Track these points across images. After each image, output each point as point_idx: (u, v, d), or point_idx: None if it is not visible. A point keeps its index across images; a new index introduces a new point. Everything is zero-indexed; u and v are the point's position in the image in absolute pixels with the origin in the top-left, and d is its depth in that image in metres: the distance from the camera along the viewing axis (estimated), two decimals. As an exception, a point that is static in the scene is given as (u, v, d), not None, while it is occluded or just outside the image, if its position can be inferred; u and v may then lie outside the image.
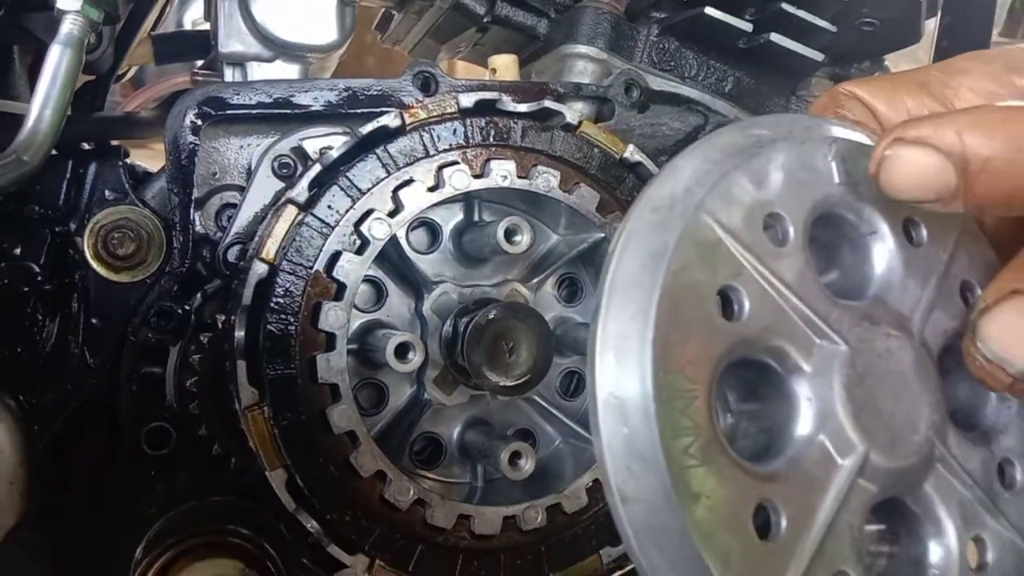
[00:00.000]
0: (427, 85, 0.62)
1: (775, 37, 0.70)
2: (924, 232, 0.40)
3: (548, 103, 0.55)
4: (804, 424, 0.34)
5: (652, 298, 0.33)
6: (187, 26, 1.12)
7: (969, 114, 0.35)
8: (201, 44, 0.85)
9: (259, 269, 0.50)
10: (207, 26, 0.92)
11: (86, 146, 0.65)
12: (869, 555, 0.36)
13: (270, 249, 0.50)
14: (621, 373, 0.32)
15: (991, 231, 0.48)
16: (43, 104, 0.47)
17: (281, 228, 0.50)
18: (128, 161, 0.65)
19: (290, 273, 0.50)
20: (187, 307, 0.60)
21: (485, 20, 0.76)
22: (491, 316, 0.53)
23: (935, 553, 0.36)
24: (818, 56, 0.73)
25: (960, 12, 0.93)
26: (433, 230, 0.60)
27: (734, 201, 0.36)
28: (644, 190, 0.36)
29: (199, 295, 0.61)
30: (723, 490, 0.31)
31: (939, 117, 0.35)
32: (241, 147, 0.62)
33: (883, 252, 0.40)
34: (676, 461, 0.31)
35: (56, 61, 0.46)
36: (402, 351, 0.52)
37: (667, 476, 0.30)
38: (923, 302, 0.38)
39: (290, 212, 0.50)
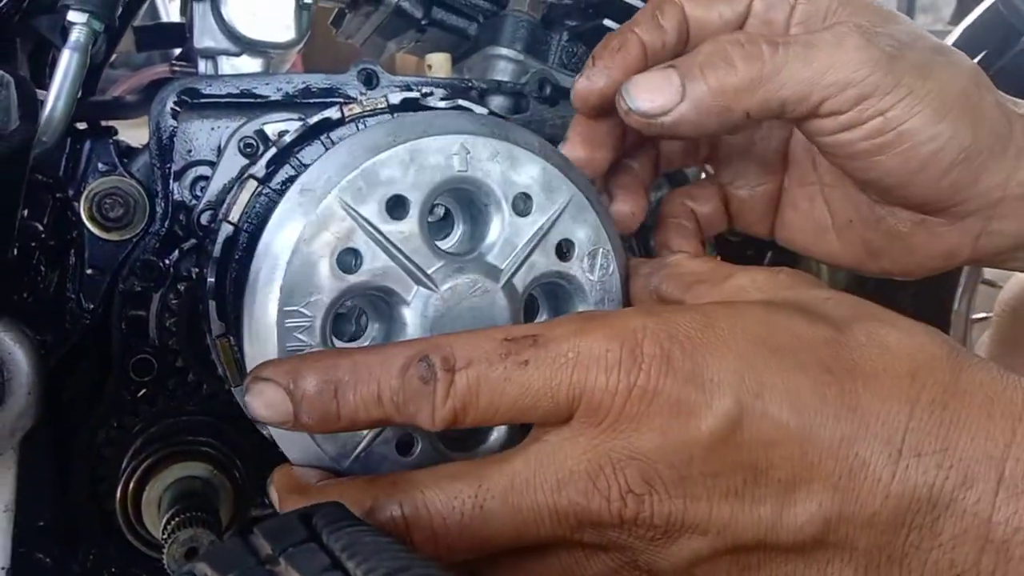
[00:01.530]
0: (369, 80, 0.74)
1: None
2: (533, 204, 0.55)
3: (462, 103, 0.68)
4: (404, 339, 0.52)
5: (285, 256, 0.50)
6: (176, 15, 1.23)
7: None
8: (177, 35, 0.97)
9: (227, 229, 0.63)
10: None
11: (78, 127, 0.77)
12: None
13: (235, 214, 0.63)
14: (262, 306, 0.51)
15: None
16: (56, 97, 0.59)
17: (244, 197, 0.63)
18: (116, 138, 0.78)
19: (249, 233, 0.64)
20: (167, 261, 0.73)
21: (423, 23, 0.89)
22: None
23: None
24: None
25: None
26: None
27: (363, 186, 0.51)
28: (300, 175, 0.53)
29: (177, 252, 0.72)
30: None
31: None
32: (212, 129, 0.74)
33: (496, 218, 0.55)
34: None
35: (67, 63, 0.58)
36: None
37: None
38: (517, 255, 0.55)
39: (251, 185, 0.63)
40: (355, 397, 0.46)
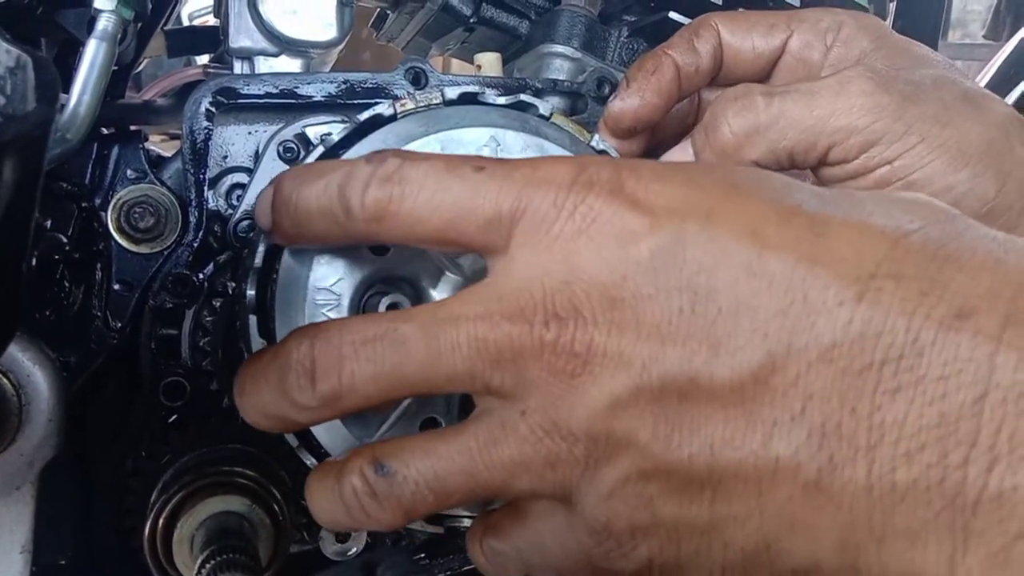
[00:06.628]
0: (417, 79, 0.69)
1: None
2: None
3: (524, 96, 0.62)
4: None
5: None
6: (184, 19, 1.19)
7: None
8: (210, 39, 0.92)
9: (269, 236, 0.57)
10: (204, 21, 0.99)
11: (105, 131, 0.72)
12: None
13: (278, 219, 0.57)
14: (292, 284, 0.51)
15: None
16: (82, 90, 0.53)
17: (288, 201, 0.57)
18: (145, 146, 0.72)
19: (295, 241, 0.58)
20: (201, 275, 0.67)
21: (471, 20, 0.83)
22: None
23: None
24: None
25: (910, 14, 1.01)
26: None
27: None
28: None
29: (211, 265, 0.67)
30: None
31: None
32: (249, 133, 0.69)
33: None
34: None
35: (93, 53, 0.53)
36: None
37: None
38: None
39: (296, 187, 0.57)
40: (312, 185, 0.46)
